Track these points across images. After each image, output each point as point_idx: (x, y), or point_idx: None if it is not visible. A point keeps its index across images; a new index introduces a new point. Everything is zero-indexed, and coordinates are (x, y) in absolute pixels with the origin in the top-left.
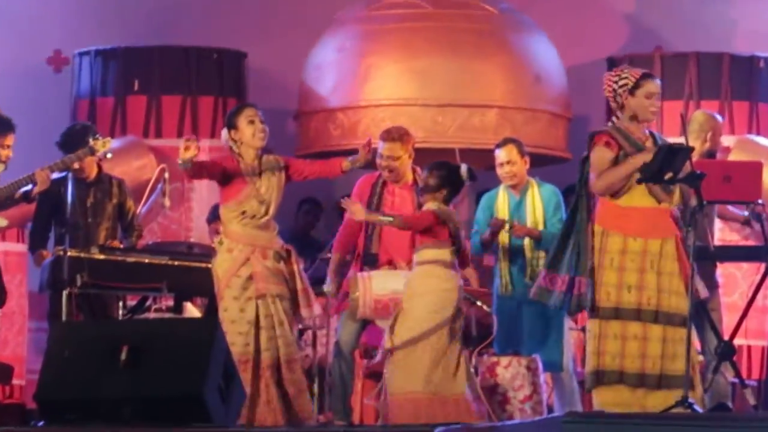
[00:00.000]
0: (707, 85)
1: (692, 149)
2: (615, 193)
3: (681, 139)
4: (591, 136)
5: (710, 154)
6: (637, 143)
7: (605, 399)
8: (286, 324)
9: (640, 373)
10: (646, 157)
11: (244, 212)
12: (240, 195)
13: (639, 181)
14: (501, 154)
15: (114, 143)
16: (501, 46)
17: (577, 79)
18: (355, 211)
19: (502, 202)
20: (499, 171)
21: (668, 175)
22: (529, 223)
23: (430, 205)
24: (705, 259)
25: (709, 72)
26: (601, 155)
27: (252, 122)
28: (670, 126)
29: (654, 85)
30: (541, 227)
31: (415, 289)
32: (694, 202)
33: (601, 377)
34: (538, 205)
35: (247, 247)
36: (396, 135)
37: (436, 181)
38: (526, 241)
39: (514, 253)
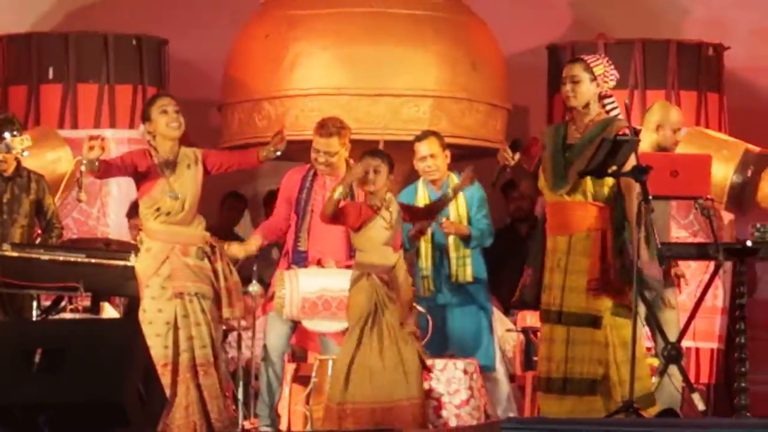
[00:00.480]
0: (653, 74)
1: (637, 142)
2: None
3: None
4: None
5: (662, 148)
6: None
7: (548, 407)
8: (203, 325)
9: (546, 377)
10: None
11: (158, 209)
12: (153, 190)
13: (581, 175)
14: (422, 148)
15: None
16: (437, 33)
17: (516, 69)
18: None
19: (422, 198)
20: (420, 165)
21: (612, 169)
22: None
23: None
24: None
25: (656, 60)
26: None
27: (165, 112)
28: None
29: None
30: (464, 224)
31: None
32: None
33: (540, 384)
34: (461, 202)
35: (167, 245)
36: (333, 130)
37: (387, 168)
38: (451, 239)
39: (438, 252)
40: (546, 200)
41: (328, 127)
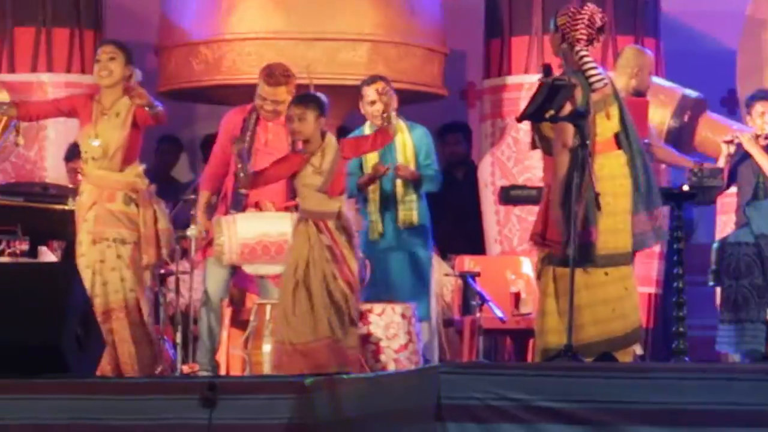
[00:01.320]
0: None
1: (575, 86)
2: None
3: None
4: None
5: (638, 93)
6: None
7: None
8: (117, 270)
9: None
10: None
11: (86, 152)
12: (80, 134)
13: (518, 120)
14: (370, 92)
15: None
16: None
17: (453, 13)
18: None
19: None
20: (368, 109)
21: (550, 113)
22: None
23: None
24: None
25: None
26: None
27: (98, 61)
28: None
29: None
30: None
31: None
32: None
33: None
34: (409, 148)
35: (95, 189)
36: (282, 79)
37: (314, 113)
38: (399, 183)
39: (385, 197)
40: None
41: (276, 76)
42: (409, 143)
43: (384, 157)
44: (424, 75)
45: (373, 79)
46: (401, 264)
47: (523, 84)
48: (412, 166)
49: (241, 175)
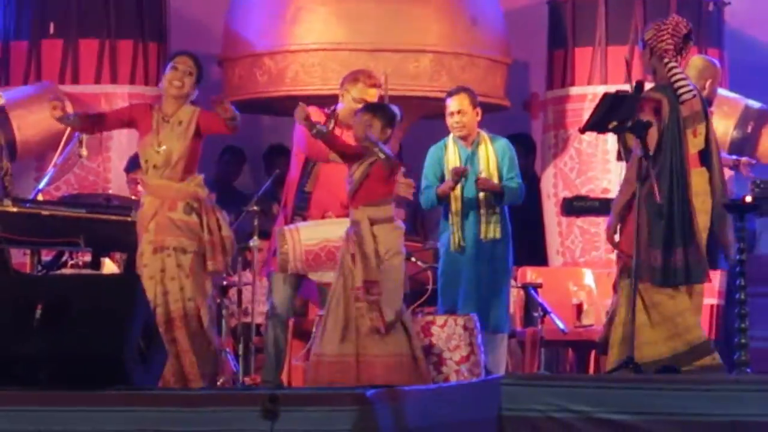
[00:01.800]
0: None
1: (638, 98)
2: None
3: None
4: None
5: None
6: None
7: None
8: (177, 279)
9: None
10: None
11: (147, 161)
12: (142, 143)
13: (581, 131)
14: (452, 104)
15: (29, 90)
16: None
17: (515, 23)
18: None
19: (452, 154)
20: (449, 120)
21: (612, 124)
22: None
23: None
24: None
25: (657, 15)
26: None
27: (175, 68)
28: (615, 72)
29: None
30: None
31: (393, 249)
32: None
33: None
34: (492, 160)
35: (156, 199)
36: (377, 81)
37: (381, 122)
38: (481, 195)
39: (468, 208)
40: None
41: (374, 77)
42: (492, 155)
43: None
44: (487, 86)
45: (456, 91)
46: (481, 277)
47: (586, 95)
48: (495, 178)
49: (324, 129)
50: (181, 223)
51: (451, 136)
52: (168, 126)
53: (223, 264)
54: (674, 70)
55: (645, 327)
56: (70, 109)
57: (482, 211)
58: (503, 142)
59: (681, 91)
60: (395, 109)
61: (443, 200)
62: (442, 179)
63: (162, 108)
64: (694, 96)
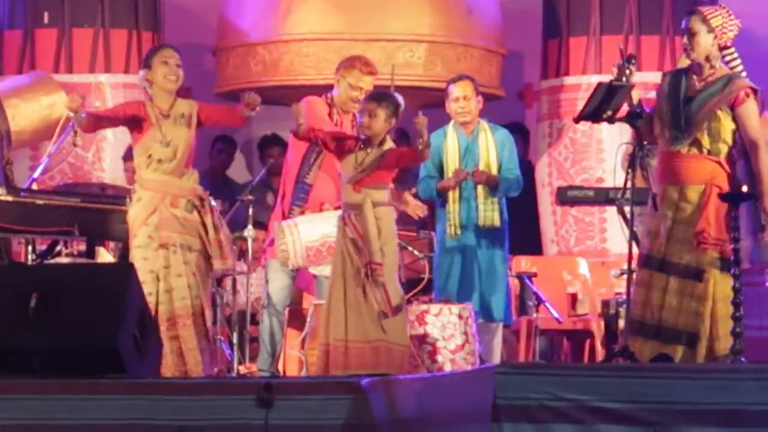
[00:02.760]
0: (648, 19)
1: (632, 87)
2: None
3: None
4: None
5: None
6: None
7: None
8: (183, 276)
9: (639, 321)
10: None
11: (149, 156)
12: (145, 138)
13: (576, 120)
14: (456, 90)
15: (23, 79)
16: None
17: (510, 13)
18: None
19: (451, 142)
20: (453, 106)
21: (607, 114)
22: (480, 167)
23: (389, 145)
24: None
25: (651, 5)
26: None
27: (165, 63)
28: (609, 62)
29: None
30: (494, 172)
31: (391, 233)
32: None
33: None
34: (492, 150)
35: (157, 195)
36: (374, 69)
37: (386, 112)
38: (480, 186)
39: (465, 197)
40: (659, 148)
41: (371, 65)
42: (492, 145)
43: (465, 159)
44: (482, 76)
45: (459, 77)
46: (479, 264)
47: (580, 84)
48: (494, 168)
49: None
50: (184, 220)
51: (451, 123)
52: (169, 120)
53: (233, 262)
54: (737, 61)
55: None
56: (77, 101)
57: (480, 199)
58: (503, 132)
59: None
60: (400, 98)
61: (442, 194)
62: (440, 167)
63: (155, 103)
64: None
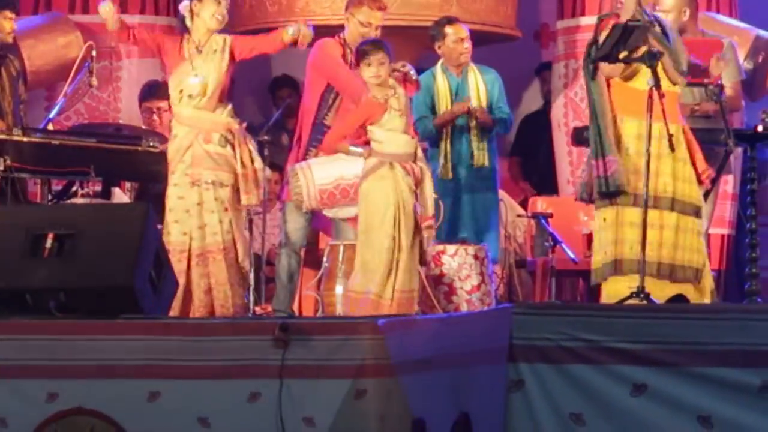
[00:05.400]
0: None
1: (649, 27)
2: (627, 78)
3: None
4: (598, 20)
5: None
6: None
7: (619, 289)
8: (215, 212)
9: (657, 261)
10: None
11: (181, 91)
12: (178, 72)
13: (593, 60)
14: (460, 30)
15: (39, 19)
16: None
17: None
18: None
19: (441, 83)
20: (458, 47)
21: (623, 54)
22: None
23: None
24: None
25: None
26: None
27: (219, 2)
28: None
29: None
30: None
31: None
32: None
33: (620, 267)
34: (482, 90)
35: (191, 132)
36: (383, 4)
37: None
38: (472, 123)
39: (458, 138)
40: (642, 87)
41: (380, 0)
42: (481, 85)
43: (457, 98)
44: (498, 16)
45: (451, 19)
46: (473, 205)
47: None
48: (484, 106)
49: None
50: (216, 155)
51: (438, 65)
52: (201, 56)
53: (257, 197)
54: None
55: None
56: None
57: (474, 138)
58: (493, 73)
59: None
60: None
61: (440, 131)
62: (432, 108)
63: (193, 38)
64: None
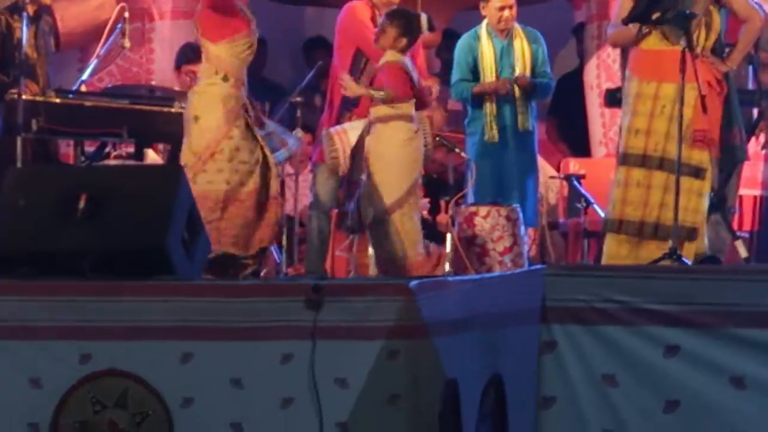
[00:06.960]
0: None
1: None
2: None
3: None
4: None
5: None
6: None
7: (620, 251)
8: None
9: (639, 221)
10: None
11: (250, 46)
12: (245, 32)
13: (624, 22)
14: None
15: None
16: None
17: None
18: (349, 87)
19: (486, 46)
20: (499, 14)
21: (655, 15)
22: (517, 70)
23: (390, 57)
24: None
25: None
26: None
27: None
28: None
29: None
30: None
31: (383, 151)
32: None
33: (622, 227)
34: (527, 54)
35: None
36: None
37: (396, 30)
38: (516, 88)
39: (503, 99)
40: (647, 47)
41: None
42: (527, 49)
43: (501, 62)
44: None
45: None
46: (517, 167)
47: None
48: (528, 71)
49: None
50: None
51: (484, 26)
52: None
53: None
54: None
55: None
56: None
57: (518, 102)
58: (538, 35)
59: None
60: (423, 18)
61: (477, 98)
62: (474, 70)
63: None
64: None
